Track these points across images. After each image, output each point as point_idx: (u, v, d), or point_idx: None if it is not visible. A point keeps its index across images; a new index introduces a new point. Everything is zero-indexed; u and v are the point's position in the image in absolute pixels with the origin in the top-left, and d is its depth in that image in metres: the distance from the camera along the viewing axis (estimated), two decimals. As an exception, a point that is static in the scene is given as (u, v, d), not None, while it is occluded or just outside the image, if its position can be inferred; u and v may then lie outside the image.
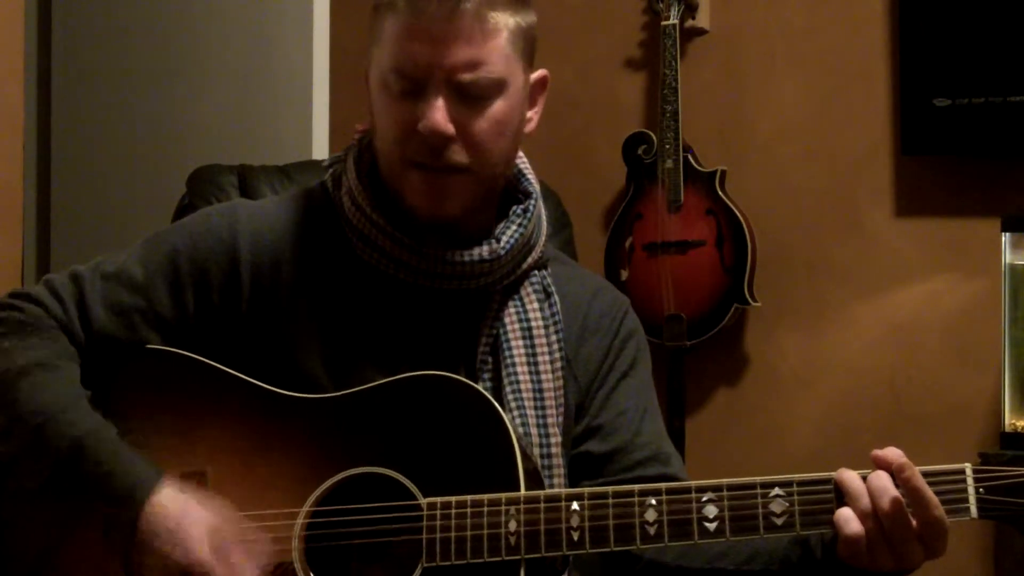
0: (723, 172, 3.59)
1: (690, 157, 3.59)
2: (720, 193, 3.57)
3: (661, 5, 3.61)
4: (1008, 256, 3.20)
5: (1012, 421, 3.18)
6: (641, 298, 3.50)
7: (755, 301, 3.55)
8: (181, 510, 1.57)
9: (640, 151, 3.63)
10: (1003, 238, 3.21)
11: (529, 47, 1.71)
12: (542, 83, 1.78)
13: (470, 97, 1.65)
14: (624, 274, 3.60)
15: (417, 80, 1.64)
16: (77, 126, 4.09)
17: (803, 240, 3.61)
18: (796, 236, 3.61)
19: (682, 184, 3.56)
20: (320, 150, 3.73)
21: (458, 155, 1.66)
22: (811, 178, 3.60)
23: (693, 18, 3.66)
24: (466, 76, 1.64)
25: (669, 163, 3.56)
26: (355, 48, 4.06)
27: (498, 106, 1.67)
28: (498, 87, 1.67)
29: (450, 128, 1.64)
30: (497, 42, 1.65)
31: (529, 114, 1.77)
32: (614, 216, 3.66)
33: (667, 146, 3.56)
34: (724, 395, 3.68)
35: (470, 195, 1.70)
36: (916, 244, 3.49)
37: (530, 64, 1.73)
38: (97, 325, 1.71)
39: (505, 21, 1.66)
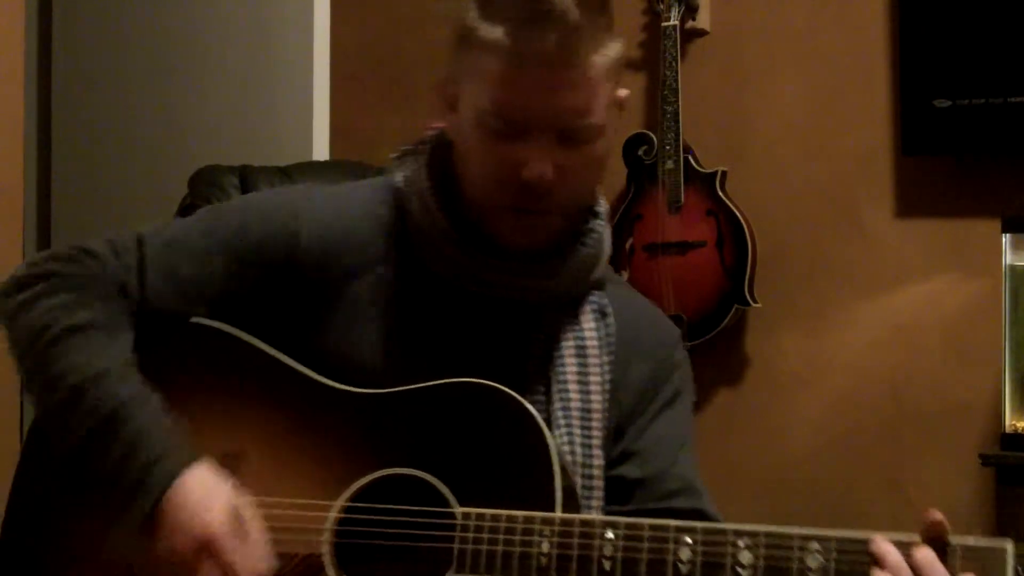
0: (723, 173, 3.59)
1: (690, 158, 3.59)
2: (720, 194, 3.57)
3: (661, 6, 3.61)
4: (1008, 257, 3.21)
5: (1012, 422, 3.18)
6: (641, 299, 3.50)
7: (755, 302, 3.55)
8: (209, 486, 1.57)
9: (640, 152, 3.63)
10: (1003, 239, 3.21)
11: (619, 71, 1.69)
12: (623, 102, 1.75)
13: (573, 142, 1.64)
14: (624, 275, 3.59)
15: (521, 124, 1.63)
16: (77, 127, 4.09)
17: (803, 241, 3.61)
18: (796, 237, 3.61)
19: (682, 185, 3.56)
20: (320, 151, 3.73)
21: (557, 198, 1.66)
22: (811, 179, 3.60)
23: (693, 19, 3.66)
24: (573, 124, 1.63)
25: (669, 164, 3.56)
26: (356, 49, 4.07)
27: (596, 149, 1.67)
28: (599, 132, 1.66)
29: (551, 176, 1.63)
30: (600, 88, 1.64)
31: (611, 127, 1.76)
32: (614, 217, 3.66)
33: (667, 147, 3.56)
34: (725, 396, 3.68)
35: (559, 229, 1.70)
36: (916, 245, 3.49)
37: (618, 86, 1.71)
38: (152, 290, 1.70)
39: (605, 61, 1.64)
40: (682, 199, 3.56)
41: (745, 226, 3.54)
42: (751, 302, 3.53)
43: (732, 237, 3.54)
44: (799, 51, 3.62)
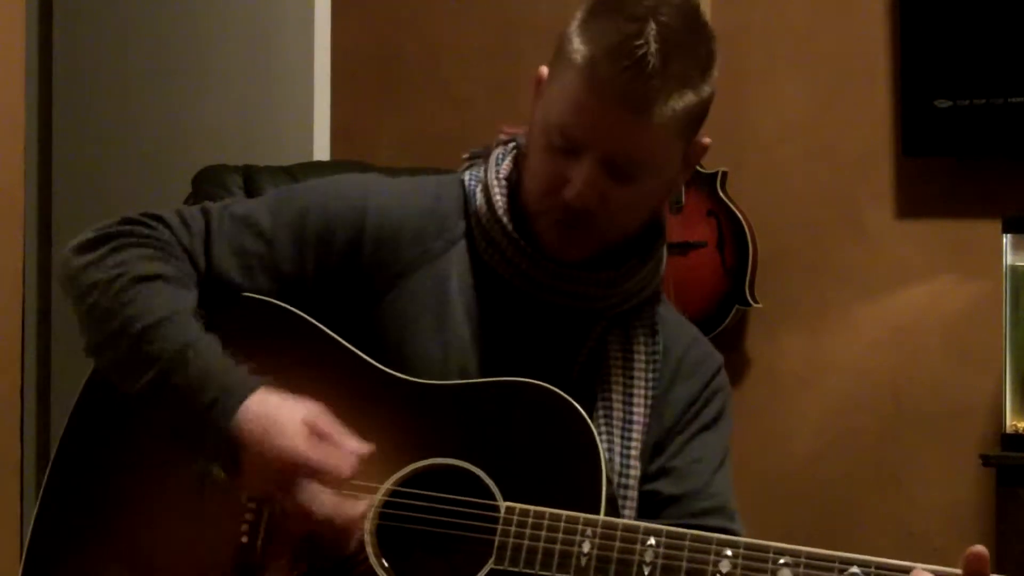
0: (724, 173, 3.59)
1: (691, 158, 3.59)
2: (721, 194, 3.57)
3: (662, 6, 3.61)
4: (1009, 257, 3.21)
5: (1013, 422, 3.18)
6: (642, 299, 3.50)
7: (756, 302, 3.55)
8: (277, 405, 1.59)
9: (641, 152, 3.63)
10: (1004, 239, 3.21)
11: (698, 122, 1.69)
12: (704, 148, 1.75)
13: (619, 176, 1.65)
14: (625, 275, 3.59)
15: (574, 146, 1.65)
16: (78, 127, 4.09)
17: (804, 241, 3.61)
18: (797, 237, 3.61)
19: (683, 185, 3.56)
20: (321, 151, 3.74)
21: (595, 222, 1.68)
22: (812, 179, 3.61)
23: (694, 19, 3.66)
24: (622, 159, 1.64)
25: (670, 164, 3.56)
26: (356, 49, 4.07)
27: (646, 184, 1.68)
28: (652, 171, 1.67)
29: (594, 202, 1.65)
30: (665, 133, 1.64)
31: (683, 176, 1.76)
32: (615, 217, 3.65)
33: (668, 147, 3.56)
34: (725, 396, 3.68)
35: (599, 246, 1.72)
36: (917, 245, 3.49)
37: (695, 134, 1.70)
38: (217, 261, 1.72)
39: (680, 106, 1.63)
40: (683, 200, 3.56)
41: (746, 227, 3.54)
42: (752, 302, 3.54)
43: (733, 238, 3.54)
44: (799, 52, 3.62)
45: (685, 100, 1.63)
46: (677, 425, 1.78)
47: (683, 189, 3.55)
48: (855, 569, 1.48)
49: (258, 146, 3.66)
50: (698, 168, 3.58)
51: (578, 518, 1.55)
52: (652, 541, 1.53)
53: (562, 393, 1.62)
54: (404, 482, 1.62)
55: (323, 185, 1.83)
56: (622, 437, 1.72)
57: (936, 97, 3.34)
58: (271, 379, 1.64)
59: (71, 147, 4.12)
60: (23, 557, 1.72)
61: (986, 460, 3.18)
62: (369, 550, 1.59)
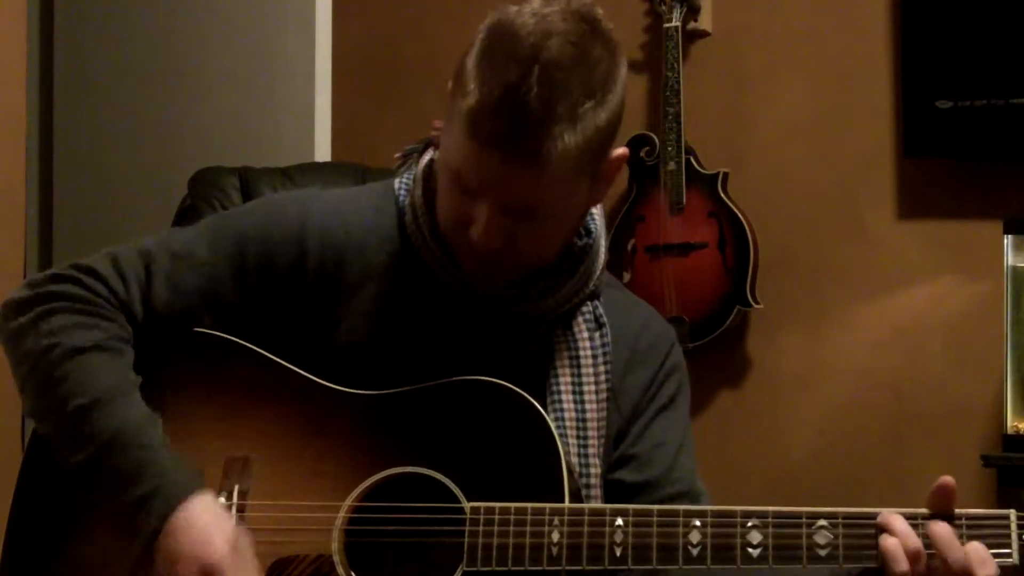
0: (725, 174, 3.59)
1: (692, 159, 3.59)
2: (722, 195, 3.57)
3: (663, 7, 3.61)
4: (1010, 258, 3.21)
5: (1014, 423, 3.18)
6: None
7: (757, 303, 3.55)
8: (211, 516, 1.57)
9: (642, 153, 3.63)
10: (1005, 240, 3.21)
11: (601, 148, 1.64)
12: (619, 161, 1.71)
13: (523, 215, 1.63)
14: (626, 276, 3.60)
15: (470, 190, 1.63)
16: (79, 128, 4.10)
17: (805, 242, 3.61)
18: (798, 238, 3.61)
19: (684, 186, 3.56)
20: (322, 152, 3.74)
21: (507, 256, 1.66)
22: (813, 180, 3.60)
23: (695, 20, 3.66)
24: (520, 204, 1.62)
25: (671, 165, 3.56)
26: (358, 50, 4.07)
27: (553, 218, 1.66)
28: (555, 209, 1.65)
29: (497, 244, 1.63)
30: (562, 173, 1.60)
31: (598, 194, 1.72)
32: (616, 218, 3.66)
33: (669, 148, 3.56)
34: (726, 397, 3.68)
35: (521, 274, 1.71)
36: (918, 246, 3.49)
37: (603, 157, 1.66)
38: (158, 303, 1.71)
39: (574, 143, 1.58)
40: (684, 200, 3.57)
41: (747, 227, 3.54)
42: (753, 303, 3.54)
43: (734, 238, 3.54)
44: (801, 52, 3.62)
45: (579, 136, 1.58)
46: (635, 410, 1.78)
47: (684, 190, 3.56)
48: (823, 522, 1.55)
49: (260, 146, 3.67)
50: (700, 169, 3.59)
51: (544, 508, 1.55)
52: (620, 521, 1.55)
53: (512, 386, 1.62)
54: (367, 495, 1.61)
55: (261, 209, 1.81)
56: (578, 437, 1.72)
57: (937, 98, 3.34)
58: (221, 432, 1.63)
59: (72, 148, 4.12)
60: None
61: (987, 461, 3.18)
62: (339, 570, 1.59)
